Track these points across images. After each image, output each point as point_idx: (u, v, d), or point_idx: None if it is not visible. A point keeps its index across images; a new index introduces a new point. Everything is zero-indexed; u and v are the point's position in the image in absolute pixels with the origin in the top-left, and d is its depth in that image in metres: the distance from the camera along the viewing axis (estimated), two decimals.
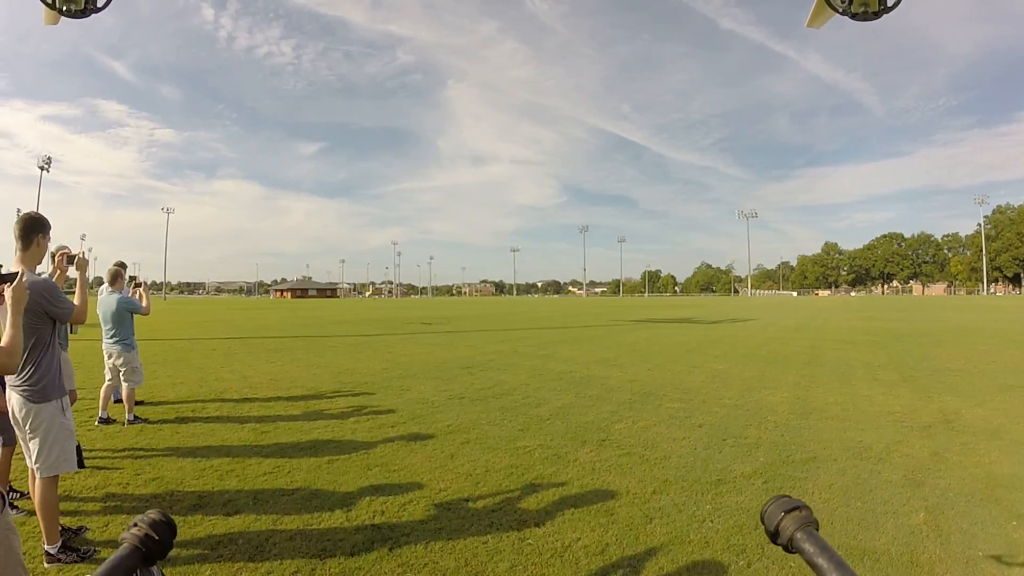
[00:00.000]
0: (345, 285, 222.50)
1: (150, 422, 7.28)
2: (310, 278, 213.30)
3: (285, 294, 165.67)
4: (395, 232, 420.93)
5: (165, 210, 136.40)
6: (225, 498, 4.73)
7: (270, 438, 6.54)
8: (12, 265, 3.61)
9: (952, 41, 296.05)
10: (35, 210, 3.74)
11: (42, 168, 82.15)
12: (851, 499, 4.66)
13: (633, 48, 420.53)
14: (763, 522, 0.87)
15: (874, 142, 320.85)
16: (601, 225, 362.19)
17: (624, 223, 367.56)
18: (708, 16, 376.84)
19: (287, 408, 8.12)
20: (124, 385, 7.32)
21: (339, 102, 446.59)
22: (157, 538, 0.87)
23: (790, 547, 0.82)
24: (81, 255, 3.77)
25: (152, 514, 0.90)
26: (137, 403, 7.62)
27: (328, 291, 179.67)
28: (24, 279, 2.53)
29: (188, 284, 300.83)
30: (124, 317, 7.43)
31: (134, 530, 0.87)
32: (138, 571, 0.84)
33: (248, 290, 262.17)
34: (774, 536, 0.84)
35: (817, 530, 0.81)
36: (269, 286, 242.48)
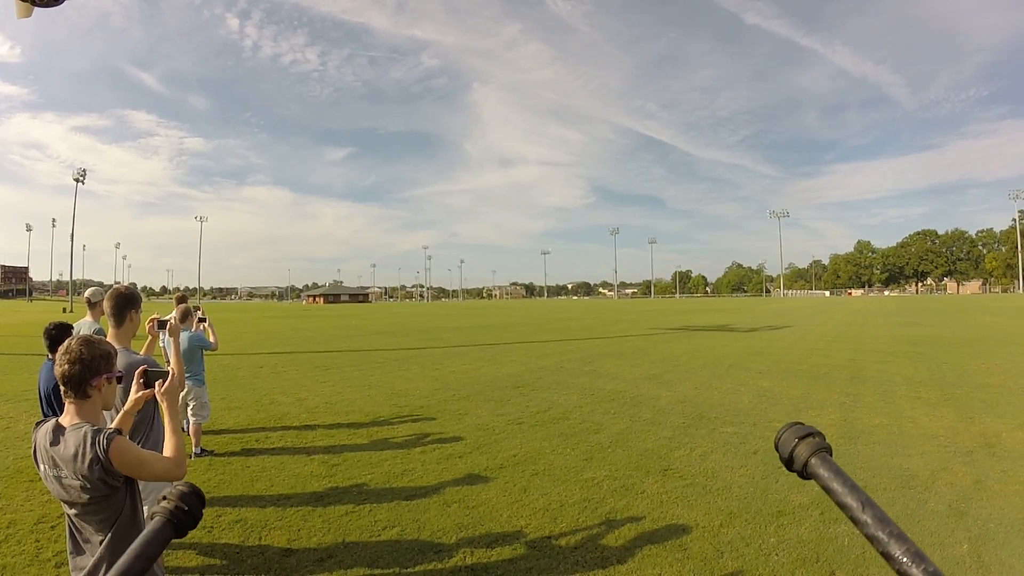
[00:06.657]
0: (376, 289, 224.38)
1: (216, 454, 7.37)
2: (341, 283, 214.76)
3: (317, 299, 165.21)
4: (425, 236, 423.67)
5: (199, 219, 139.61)
6: (313, 543, 4.82)
7: (342, 472, 6.63)
8: (110, 338, 3.54)
9: (982, 29, 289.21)
10: (126, 284, 3.69)
11: (77, 180, 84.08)
12: None
13: (657, 46, 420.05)
14: (777, 449, 0.86)
15: (905, 135, 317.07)
16: (630, 225, 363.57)
17: (653, 223, 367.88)
18: (732, 11, 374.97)
19: (351, 437, 8.21)
20: (192, 420, 7.44)
21: (365, 107, 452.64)
22: (187, 509, 0.92)
23: (804, 473, 0.81)
24: (173, 320, 3.63)
25: (180, 486, 0.95)
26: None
27: (360, 296, 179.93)
28: (174, 377, 2.53)
29: (220, 289, 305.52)
30: (195, 354, 7.58)
31: (164, 503, 0.91)
32: None
33: (280, 295, 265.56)
34: (788, 463, 0.83)
35: (831, 455, 0.81)
36: (301, 291, 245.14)
